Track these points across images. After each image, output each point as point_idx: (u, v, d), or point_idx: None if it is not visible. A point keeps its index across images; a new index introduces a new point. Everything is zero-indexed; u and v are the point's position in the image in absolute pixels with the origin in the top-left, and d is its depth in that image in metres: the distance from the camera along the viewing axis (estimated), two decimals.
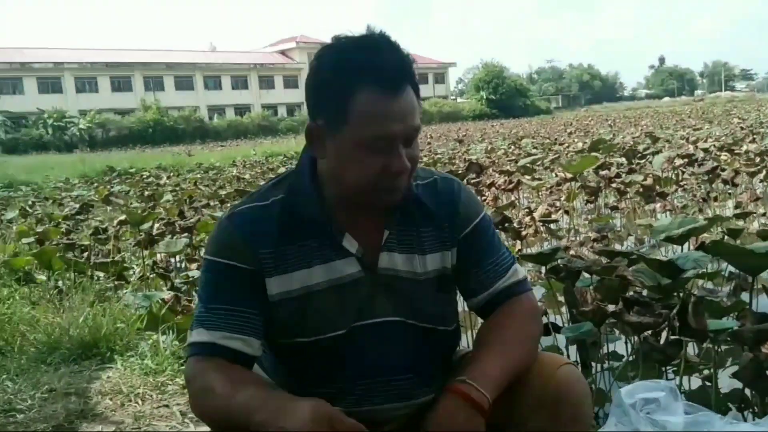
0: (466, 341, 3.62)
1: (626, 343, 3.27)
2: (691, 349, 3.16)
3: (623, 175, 8.31)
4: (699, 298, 2.51)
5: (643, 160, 10.67)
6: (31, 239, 6.74)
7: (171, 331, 3.80)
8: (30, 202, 12.00)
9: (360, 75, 1.37)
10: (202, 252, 3.72)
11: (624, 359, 3.20)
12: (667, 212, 6.89)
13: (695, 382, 2.97)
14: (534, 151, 14.97)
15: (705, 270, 3.59)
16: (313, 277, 1.49)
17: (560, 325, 3.30)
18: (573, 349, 3.30)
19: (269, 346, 1.59)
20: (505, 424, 1.51)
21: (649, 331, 2.78)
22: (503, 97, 73.23)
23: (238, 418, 1.33)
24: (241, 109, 65.11)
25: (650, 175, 8.03)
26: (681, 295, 2.91)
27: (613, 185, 7.76)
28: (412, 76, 1.43)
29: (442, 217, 1.60)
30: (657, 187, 7.17)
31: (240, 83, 68.97)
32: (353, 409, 1.50)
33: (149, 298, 4.15)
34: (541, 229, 6.13)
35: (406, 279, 1.55)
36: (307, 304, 1.49)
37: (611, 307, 2.86)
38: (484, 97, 73.60)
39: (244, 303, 1.46)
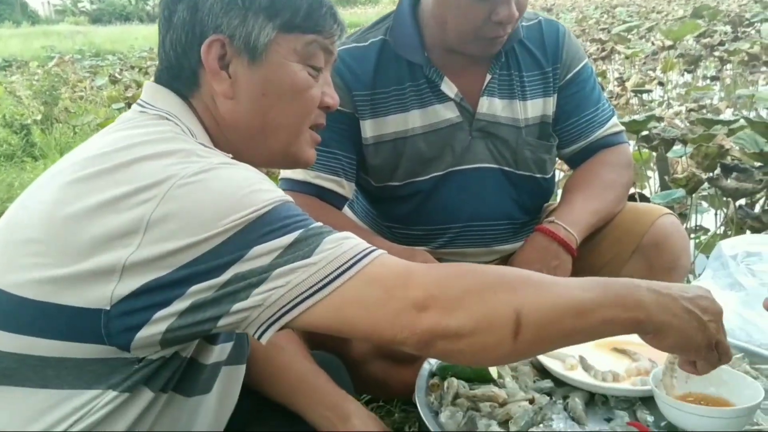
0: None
1: (716, 215, 3.15)
2: None
3: (727, 44, 7.70)
4: None
5: (750, 28, 9.83)
6: (121, 104, 6.96)
7: None
8: (118, 70, 12.31)
9: None
10: None
11: (711, 231, 3.09)
12: None
13: None
14: (629, 19, 14.02)
15: None
16: (410, 121, 1.47)
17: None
18: None
19: (362, 190, 1.60)
20: (600, 267, 1.51)
21: (745, 199, 2.67)
22: None
23: None
24: None
25: (757, 43, 7.40)
26: None
27: (716, 54, 7.22)
28: None
29: (548, 61, 1.53)
30: (764, 56, 6.63)
31: None
32: (439, 250, 1.53)
33: None
34: (633, 100, 5.84)
35: (505, 125, 1.50)
36: (403, 149, 1.48)
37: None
38: None
39: (338, 145, 1.46)
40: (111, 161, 0.79)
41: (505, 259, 1.60)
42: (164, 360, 0.81)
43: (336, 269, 0.75)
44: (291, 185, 1.47)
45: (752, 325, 1.39)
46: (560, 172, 2.97)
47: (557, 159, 1.64)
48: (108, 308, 0.74)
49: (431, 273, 0.79)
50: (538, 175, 1.57)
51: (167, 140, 0.82)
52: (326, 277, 0.75)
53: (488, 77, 1.48)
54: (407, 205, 1.52)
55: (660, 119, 4.26)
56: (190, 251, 0.73)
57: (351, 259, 0.77)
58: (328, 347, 1.22)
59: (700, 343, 0.85)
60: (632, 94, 5.70)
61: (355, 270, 0.76)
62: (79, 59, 15.86)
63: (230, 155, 0.85)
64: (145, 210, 0.74)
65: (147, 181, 0.76)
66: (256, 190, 0.78)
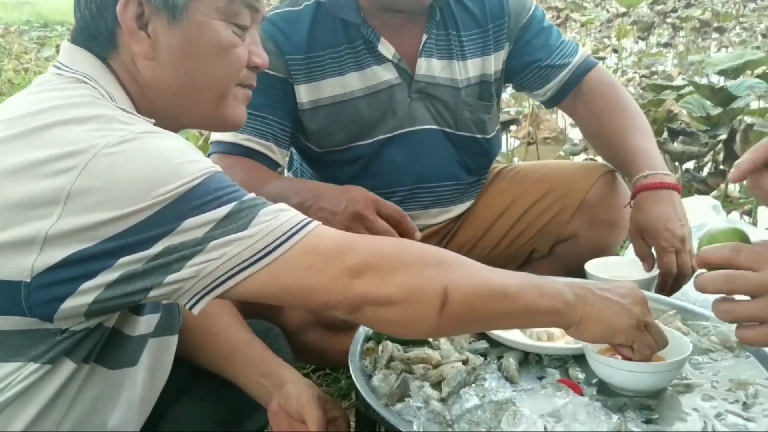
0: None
1: None
2: (733, 186, 3.07)
3: (679, 10, 7.79)
4: (749, 125, 2.40)
5: None
6: None
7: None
8: (66, 41, 11.92)
9: None
10: None
11: None
12: (723, 49, 6.49)
13: (733, 217, 2.92)
14: None
15: (756, 107, 3.42)
16: (347, 84, 1.44)
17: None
18: None
19: (306, 158, 1.58)
20: (545, 223, 1.56)
21: (694, 163, 2.72)
22: None
23: None
24: None
25: (708, 10, 7.51)
26: (730, 125, 2.79)
27: (668, 21, 7.30)
28: None
29: (486, 19, 1.51)
30: (715, 22, 6.73)
31: None
32: None
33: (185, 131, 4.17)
34: None
35: (444, 86, 1.49)
36: (343, 113, 1.45)
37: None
38: None
39: (270, 111, 1.42)
40: (24, 125, 0.76)
41: (456, 220, 1.61)
42: (87, 331, 0.79)
43: (273, 241, 0.76)
44: (221, 147, 1.44)
45: (688, 284, 1.41)
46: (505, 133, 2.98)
47: (499, 118, 1.64)
48: (28, 280, 0.72)
49: (369, 243, 0.82)
50: (479, 136, 1.56)
51: (85, 105, 0.79)
52: (263, 249, 0.75)
53: (425, 37, 1.46)
54: (351, 170, 1.50)
55: (622, 86, 4.30)
56: (118, 224, 0.72)
57: (288, 231, 0.77)
58: (264, 317, 1.20)
59: (625, 327, 0.87)
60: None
61: (293, 242, 0.76)
62: (27, 30, 15.33)
63: (153, 120, 0.82)
64: (66, 180, 0.71)
65: (66, 148, 0.73)
66: (184, 161, 0.76)
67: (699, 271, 0.80)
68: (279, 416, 0.99)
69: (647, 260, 1.35)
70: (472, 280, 0.82)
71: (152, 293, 0.74)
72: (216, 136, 1.47)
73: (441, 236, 1.61)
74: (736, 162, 0.78)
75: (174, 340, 0.98)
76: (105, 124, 0.76)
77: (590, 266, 1.35)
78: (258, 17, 0.95)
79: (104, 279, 0.72)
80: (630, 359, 0.91)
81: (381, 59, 1.45)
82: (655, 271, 1.34)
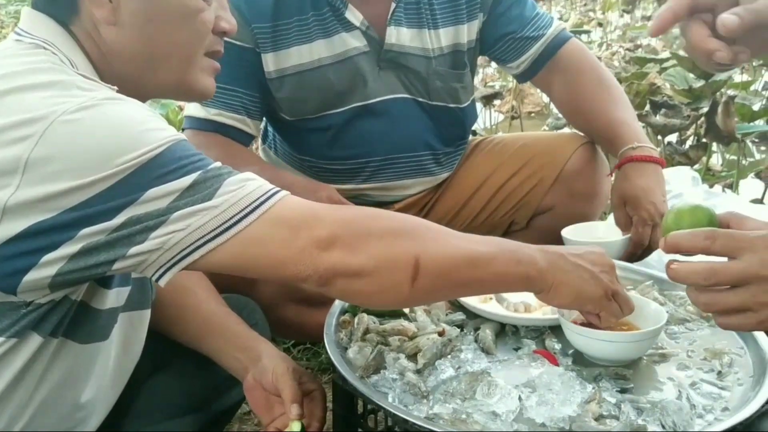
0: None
1: None
2: (715, 159, 3.08)
3: None
4: (731, 98, 2.39)
5: None
6: None
7: None
8: None
9: None
10: None
11: None
12: None
13: (715, 191, 2.93)
14: None
15: (738, 81, 3.42)
16: (315, 52, 1.42)
17: None
18: None
19: (278, 128, 1.56)
20: (524, 194, 1.55)
21: (676, 135, 2.72)
22: None
23: None
24: None
25: None
26: (712, 98, 2.79)
27: None
28: None
29: None
30: None
31: None
32: (363, 185, 1.52)
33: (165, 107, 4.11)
34: None
35: (414, 56, 1.47)
36: (311, 80, 1.43)
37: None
38: None
39: (239, 82, 1.40)
40: None
41: (435, 191, 1.60)
42: (53, 304, 0.77)
43: (239, 212, 0.74)
44: (193, 123, 1.43)
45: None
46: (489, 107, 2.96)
47: (474, 88, 1.63)
48: None
49: (337, 213, 0.80)
50: (452, 105, 1.54)
51: (44, 71, 0.76)
52: (229, 220, 0.73)
53: (393, 5, 1.43)
54: (324, 138, 1.49)
55: (598, 59, 4.28)
56: (78, 194, 0.69)
57: (255, 201, 0.75)
58: (239, 292, 1.19)
59: (595, 294, 0.87)
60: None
61: (259, 212, 0.74)
62: (4, 5, 15.04)
63: (116, 88, 0.80)
64: (23, 149, 0.69)
65: (23, 115, 0.70)
66: (147, 129, 0.73)
67: (670, 256, 0.77)
68: (254, 391, 0.99)
69: (626, 230, 1.36)
70: (443, 247, 0.80)
71: (116, 265, 0.72)
72: (188, 111, 1.45)
73: (420, 207, 1.60)
74: (656, 13, 0.73)
75: (146, 314, 0.97)
76: (64, 91, 0.73)
77: (566, 232, 1.36)
78: None
79: (66, 251, 0.71)
80: (597, 327, 0.91)
81: (349, 26, 1.42)
82: (627, 235, 1.36)
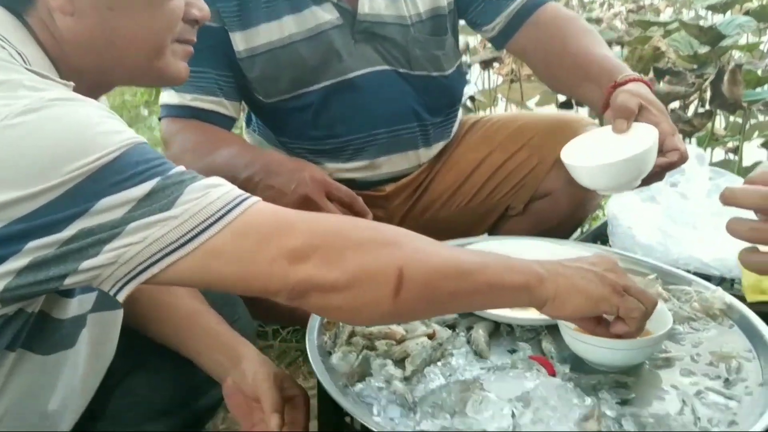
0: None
1: None
2: (718, 123, 3.01)
3: None
4: (738, 65, 2.30)
5: None
6: None
7: None
8: None
9: None
10: None
11: None
12: None
13: (718, 155, 2.87)
14: None
15: (744, 42, 3.31)
16: (285, 28, 1.34)
17: None
18: None
19: (256, 112, 1.48)
20: (523, 176, 1.48)
21: (678, 103, 2.63)
22: None
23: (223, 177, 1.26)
24: None
25: None
26: (718, 64, 2.69)
27: None
28: None
29: None
30: None
31: None
32: (350, 164, 1.45)
33: None
34: (573, 0, 5.69)
35: (391, 24, 1.38)
36: (282, 58, 1.35)
37: None
38: None
39: (210, 63, 1.32)
40: None
41: (429, 171, 1.53)
42: (6, 317, 0.71)
43: (201, 222, 0.67)
44: (169, 111, 1.36)
45: (670, 238, 1.36)
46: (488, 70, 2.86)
47: (459, 54, 1.53)
48: None
49: (313, 222, 0.74)
50: (435, 74, 1.46)
51: None
52: (190, 231, 0.67)
53: None
54: (302, 119, 1.41)
55: (599, 21, 4.15)
56: (24, 204, 0.63)
57: (219, 210, 0.68)
58: None
59: (604, 293, 0.80)
60: None
61: (224, 222, 0.68)
62: None
63: (72, 84, 0.73)
64: None
65: None
66: (100, 132, 0.66)
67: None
68: (234, 396, 0.93)
69: (630, 117, 1.16)
70: (429, 257, 0.74)
71: (68, 280, 0.66)
72: (164, 98, 1.38)
73: (413, 188, 1.53)
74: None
75: (118, 314, 0.91)
76: (8, 92, 0.66)
77: (566, 156, 1.18)
78: None
79: (13, 265, 0.64)
80: (621, 336, 0.83)
81: None
82: (647, 144, 1.09)
